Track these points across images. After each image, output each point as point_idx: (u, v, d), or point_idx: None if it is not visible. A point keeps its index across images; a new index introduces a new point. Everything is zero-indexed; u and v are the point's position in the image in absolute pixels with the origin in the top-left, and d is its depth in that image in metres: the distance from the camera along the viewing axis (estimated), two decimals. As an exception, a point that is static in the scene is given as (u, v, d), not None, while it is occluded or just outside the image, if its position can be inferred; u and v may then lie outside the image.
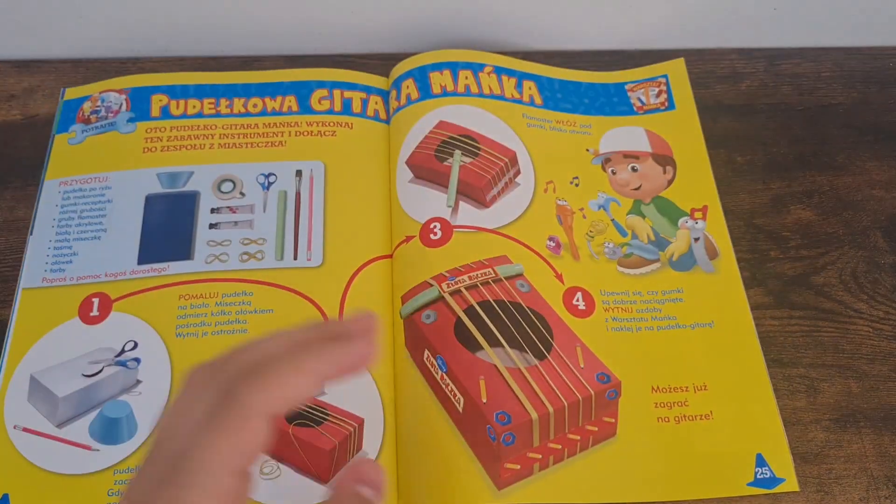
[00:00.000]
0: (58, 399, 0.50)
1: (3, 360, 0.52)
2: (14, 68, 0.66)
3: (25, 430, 0.50)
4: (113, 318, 0.53)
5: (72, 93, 0.63)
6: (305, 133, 0.61)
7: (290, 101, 0.63)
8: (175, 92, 0.63)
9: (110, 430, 0.50)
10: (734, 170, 0.62)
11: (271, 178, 0.59)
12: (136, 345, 0.52)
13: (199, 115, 0.62)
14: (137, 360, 0.52)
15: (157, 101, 0.62)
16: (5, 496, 0.47)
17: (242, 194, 0.58)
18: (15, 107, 0.64)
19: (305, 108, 0.62)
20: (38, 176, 0.60)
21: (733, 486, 0.49)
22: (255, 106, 0.63)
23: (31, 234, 0.57)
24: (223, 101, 0.63)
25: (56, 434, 0.49)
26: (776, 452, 0.50)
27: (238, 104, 0.63)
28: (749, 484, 0.48)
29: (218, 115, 0.62)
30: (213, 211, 0.58)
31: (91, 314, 0.53)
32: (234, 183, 0.59)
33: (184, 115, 0.62)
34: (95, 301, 0.54)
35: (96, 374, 0.51)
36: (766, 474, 0.49)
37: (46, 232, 0.57)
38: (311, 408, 0.50)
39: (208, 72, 0.65)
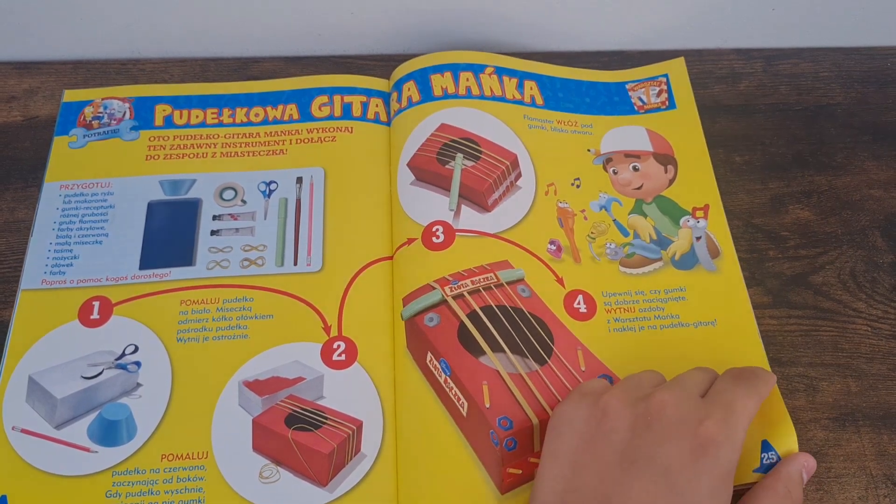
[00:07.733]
0: (56, 400, 0.50)
1: (2, 360, 0.52)
2: (14, 69, 0.66)
3: (24, 431, 0.50)
4: (113, 322, 0.53)
5: (71, 95, 0.63)
6: (306, 140, 0.61)
7: (291, 110, 0.63)
8: (178, 102, 0.63)
9: (109, 432, 0.50)
10: (733, 170, 0.62)
11: (272, 186, 0.59)
12: (136, 348, 0.52)
13: (202, 124, 0.62)
14: (138, 363, 0.52)
15: (161, 110, 0.63)
16: (3, 497, 0.47)
17: (244, 202, 0.59)
18: (15, 108, 0.64)
19: (306, 116, 0.63)
20: (39, 178, 0.60)
21: (739, 473, 0.48)
22: (256, 115, 0.63)
23: (31, 235, 0.57)
24: (226, 111, 0.63)
25: (54, 435, 0.49)
26: (783, 437, 0.48)
27: (240, 113, 0.63)
28: (755, 470, 0.48)
29: (220, 124, 0.62)
30: (214, 218, 0.58)
31: (91, 317, 0.53)
32: (235, 191, 0.59)
33: (187, 125, 0.62)
34: (96, 304, 0.54)
35: (95, 376, 0.51)
36: (773, 459, 0.48)
37: (46, 234, 0.57)
38: (309, 411, 0.50)
39: (211, 82, 0.65)
